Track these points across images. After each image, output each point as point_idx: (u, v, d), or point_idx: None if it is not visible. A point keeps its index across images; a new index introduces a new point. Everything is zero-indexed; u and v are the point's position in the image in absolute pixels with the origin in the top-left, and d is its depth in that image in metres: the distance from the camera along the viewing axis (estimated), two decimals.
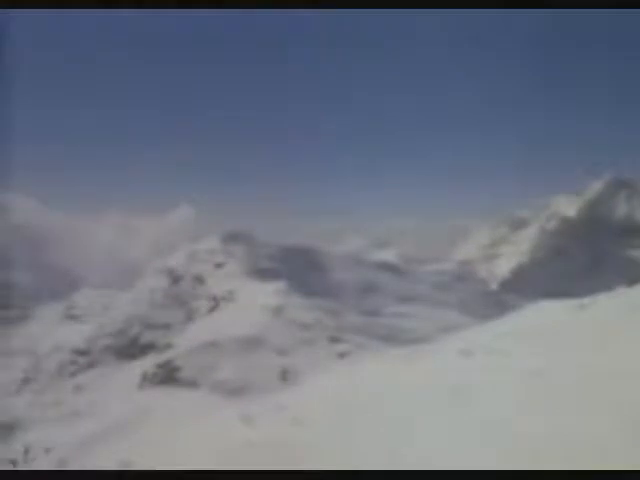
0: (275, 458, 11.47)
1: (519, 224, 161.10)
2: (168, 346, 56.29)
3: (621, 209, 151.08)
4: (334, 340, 50.93)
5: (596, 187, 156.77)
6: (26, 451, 43.68)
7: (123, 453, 21.29)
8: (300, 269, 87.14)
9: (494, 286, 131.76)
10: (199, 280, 73.24)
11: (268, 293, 61.44)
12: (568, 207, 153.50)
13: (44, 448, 42.98)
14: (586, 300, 16.94)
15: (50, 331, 75.91)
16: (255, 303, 58.95)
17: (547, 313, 17.45)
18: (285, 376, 43.48)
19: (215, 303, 66.06)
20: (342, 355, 47.17)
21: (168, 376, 47.93)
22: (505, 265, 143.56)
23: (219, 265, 76.16)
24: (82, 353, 62.43)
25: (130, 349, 60.94)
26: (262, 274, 73.47)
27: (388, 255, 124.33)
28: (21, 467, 41.68)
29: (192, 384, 45.71)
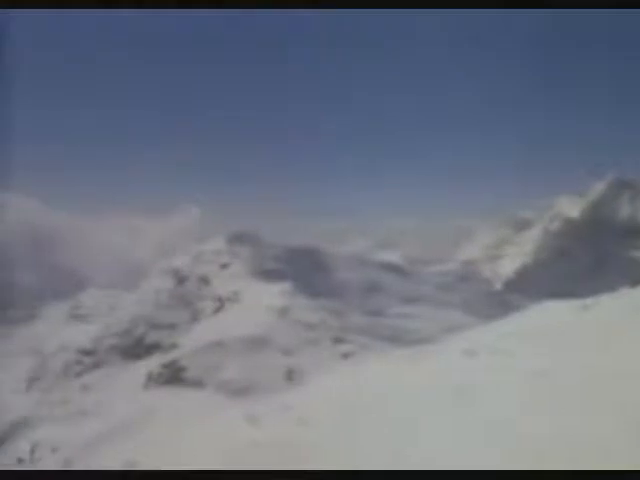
0: (280, 458, 11.51)
1: (523, 225, 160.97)
2: (173, 346, 56.48)
3: (624, 210, 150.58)
4: (338, 340, 50.99)
5: (599, 188, 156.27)
6: (32, 450, 43.97)
7: (128, 453, 21.38)
8: (305, 270, 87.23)
9: (498, 286, 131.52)
10: (204, 281, 73.43)
11: (273, 294, 61.55)
12: (571, 208, 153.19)
13: (50, 447, 43.26)
14: (589, 301, 16.91)
15: (56, 331, 76.25)
16: (260, 304, 59.07)
17: (551, 313, 17.43)
18: (290, 376, 43.56)
19: (220, 304, 66.21)
20: (346, 355, 47.23)
21: (173, 376, 48.07)
22: (509, 266, 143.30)
23: (224, 266, 76.33)
24: (88, 353, 62.73)
25: (135, 349, 61.17)
26: (267, 275, 73.61)
27: (392, 256, 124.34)
28: (27, 465, 41.98)
29: (197, 384, 45.83)
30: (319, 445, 11.56)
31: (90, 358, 61.93)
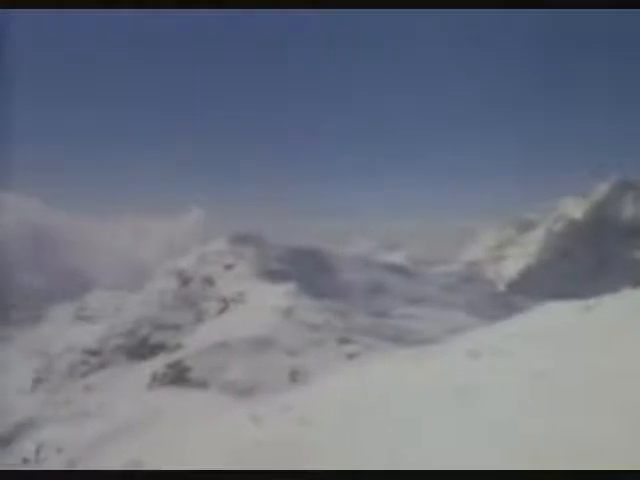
0: (284, 458, 11.56)
1: (526, 226, 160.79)
2: (178, 347, 56.65)
3: (627, 211, 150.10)
4: (343, 341, 51.02)
5: (602, 189, 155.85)
6: (38, 450, 44.20)
7: (133, 453, 21.44)
8: (309, 271, 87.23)
9: (501, 287, 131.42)
10: (209, 281, 73.61)
11: (278, 294, 61.63)
12: (575, 209, 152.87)
13: (55, 447, 43.47)
14: (592, 301, 16.87)
15: (62, 332, 76.62)
16: (265, 304, 59.16)
17: (554, 314, 17.42)
18: (295, 377, 43.62)
19: (225, 304, 66.36)
20: (351, 356, 47.24)
21: (178, 376, 48.22)
22: (512, 267, 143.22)
23: (229, 267, 76.47)
24: (93, 353, 62.99)
25: (140, 350, 61.38)
26: (272, 276, 73.65)
27: (397, 257, 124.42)
28: (32, 466, 42.20)
29: (202, 384, 45.96)
30: (323, 445, 11.61)
31: (95, 359, 62.19)
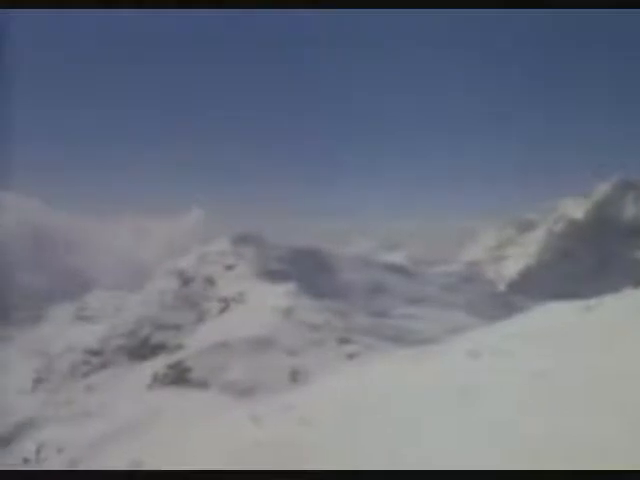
0: (284, 458, 11.57)
1: (526, 226, 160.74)
2: (179, 347, 56.69)
3: (628, 211, 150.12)
4: (343, 341, 51.05)
5: (603, 189, 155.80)
6: (38, 450, 44.22)
7: (134, 453, 21.44)
8: (310, 271, 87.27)
9: (501, 287, 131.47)
10: (209, 282, 73.64)
11: (278, 295, 61.66)
12: (575, 209, 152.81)
13: (56, 447, 43.49)
14: (593, 301, 16.85)
15: (62, 332, 76.62)
16: (265, 304, 59.20)
17: (554, 314, 17.40)
18: (295, 377, 43.65)
19: (225, 304, 66.39)
20: (351, 356, 47.27)
21: (179, 376, 48.25)
22: (512, 267, 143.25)
23: (229, 267, 76.50)
24: (94, 354, 63.02)
25: (141, 350, 61.40)
26: (272, 276, 73.68)
27: (397, 257, 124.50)
28: (33, 465, 42.22)
29: (202, 384, 45.99)
30: (323, 445, 11.62)
31: (96, 359, 62.22)
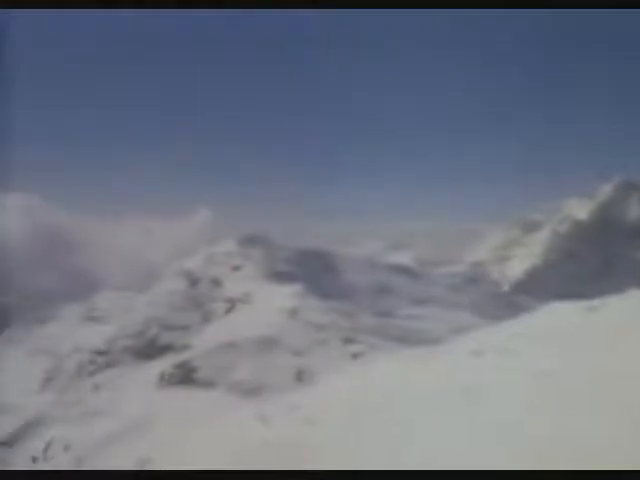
0: (290, 458, 11.66)
1: (532, 227, 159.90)
2: (186, 347, 56.89)
3: (633, 212, 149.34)
4: (348, 341, 51.04)
5: (608, 190, 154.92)
6: (46, 449, 44.52)
7: (141, 452, 21.60)
8: (316, 272, 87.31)
9: (506, 288, 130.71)
10: (216, 283, 73.78)
11: (284, 295, 61.75)
12: (580, 210, 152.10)
13: (63, 446, 43.76)
14: (597, 302, 16.85)
15: (71, 332, 77.07)
16: (271, 305, 59.31)
17: (559, 315, 17.40)
18: (300, 376, 43.73)
19: (232, 305, 66.55)
20: (356, 356, 47.27)
21: (185, 376, 48.43)
22: (517, 267, 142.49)
23: (236, 268, 76.63)
24: (102, 354, 63.29)
25: (148, 350, 61.59)
26: (278, 277, 73.76)
27: (403, 257, 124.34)
28: (41, 464, 42.53)
29: (209, 384, 46.14)
30: (329, 445, 11.70)
31: (104, 358, 62.50)
